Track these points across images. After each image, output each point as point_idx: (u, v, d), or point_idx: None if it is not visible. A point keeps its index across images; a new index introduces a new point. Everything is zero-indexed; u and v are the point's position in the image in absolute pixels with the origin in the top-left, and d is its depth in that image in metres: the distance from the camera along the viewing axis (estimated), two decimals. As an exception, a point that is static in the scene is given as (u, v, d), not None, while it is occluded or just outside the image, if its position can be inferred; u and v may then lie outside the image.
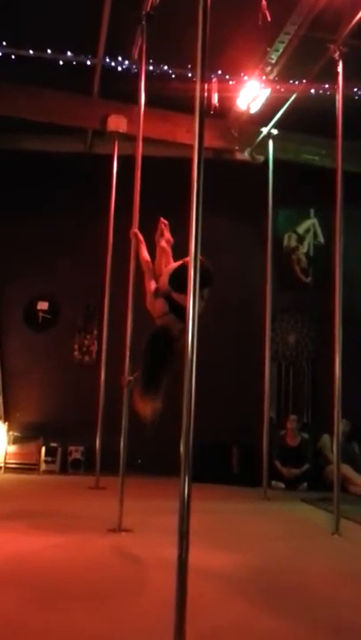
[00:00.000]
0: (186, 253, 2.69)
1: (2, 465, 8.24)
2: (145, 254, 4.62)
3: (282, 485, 7.77)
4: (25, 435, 8.58)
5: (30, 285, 9.08)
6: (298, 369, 9.32)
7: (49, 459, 8.40)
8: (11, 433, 8.52)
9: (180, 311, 3.88)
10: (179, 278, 3.95)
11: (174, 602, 2.36)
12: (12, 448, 8.46)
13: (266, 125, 7.73)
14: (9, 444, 8.43)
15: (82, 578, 3.38)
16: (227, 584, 3.37)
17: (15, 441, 8.52)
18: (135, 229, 4.97)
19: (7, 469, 8.24)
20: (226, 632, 2.60)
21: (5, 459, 8.31)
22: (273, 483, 7.55)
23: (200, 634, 2.47)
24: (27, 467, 8.37)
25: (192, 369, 2.54)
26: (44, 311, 9.14)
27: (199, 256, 2.60)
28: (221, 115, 7.60)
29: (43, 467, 8.35)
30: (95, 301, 8.39)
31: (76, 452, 8.45)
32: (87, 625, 2.62)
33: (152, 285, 4.28)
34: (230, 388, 8.63)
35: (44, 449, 8.40)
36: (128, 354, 4.91)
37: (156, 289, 4.21)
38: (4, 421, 8.53)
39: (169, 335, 3.86)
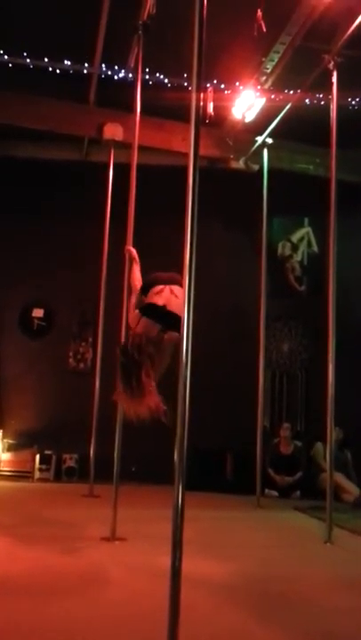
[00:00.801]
0: (181, 261, 2.69)
1: (-4, 472, 8.22)
2: (136, 275, 4.55)
3: (275, 493, 7.77)
4: (19, 442, 8.55)
5: (25, 292, 9.08)
6: (291, 377, 9.34)
7: (43, 466, 8.37)
8: (5, 440, 8.49)
9: (152, 312, 3.94)
10: (146, 288, 4.16)
11: (167, 610, 2.36)
12: (6, 455, 8.43)
13: (261, 134, 7.78)
14: (3, 451, 8.40)
15: (75, 586, 3.37)
16: (220, 592, 3.36)
17: (9, 448, 8.49)
18: (129, 246, 4.91)
19: (1, 477, 8.21)
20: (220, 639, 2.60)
21: (0, 466, 8.28)
22: (266, 491, 7.55)
23: (193, 642, 2.46)
24: (21, 474, 8.34)
25: (186, 377, 2.55)
26: (39, 318, 9.14)
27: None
28: (217, 124, 7.64)
29: (37, 474, 8.32)
30: (90, 308, 8.39)
31: (70, 460, 8.43)
32: (81, 632, 2.61)
33: (134, 306, 4.31)
34: (224, 396, 8.63)
35: (38, 457, 8.37)
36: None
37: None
38: (-1, 428, 8.51)
39: (136, 342, 3.88)
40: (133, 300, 4.35)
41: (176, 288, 4.04)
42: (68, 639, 2.54)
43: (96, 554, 4.16)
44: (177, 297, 3.99)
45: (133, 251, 4.76)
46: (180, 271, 2.74)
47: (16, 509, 6.04)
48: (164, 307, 4.05)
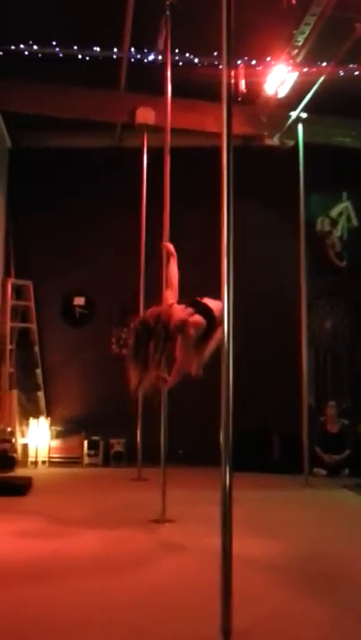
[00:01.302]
0: (219, 243, 2.67)
1: (46, 459, 8.38)
2: (173, 270, 4.44)
3: (323, 472, 7.72)
4: (67, 429, 8.71)
5: (66, 282, 9.17)
6: (335, 355, 9.22)
7: (91, 452, 8.52)
8: (53, 428, 8.65)
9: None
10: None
11: (219, 591, 2.37)
12: (55, 443, 8.60)
13: (295, 109, 7.63)
14: (52, 438, 8.57)
15: (128, 569, 3.43)
16: (271, 571, 3.37)
17: (58, 435, 8.65)
18: (166, 242, 4.81)
19: (51, 464, 8.38)
20: (270, 620, 2.61)
21: (49, 453, 8.45)
22: (315, 470, 7.51)
23: (245, 621, 2.48)
24: (70, 460, 8.50)
25: (229, 360, 2.54)
26: (80, 306, 9.23)
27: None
28: (249, 101, 7.53)
29: (86, 460, 8.47)
30: (130, 294, 8.43)
31: (118, 445, 8.54)
32: (139, 613, 2.66)
33: (169, 300, 4.29)
34: (268, 377, 8.58)
35: (86, 443, 8.51)
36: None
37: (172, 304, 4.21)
38: (47, 417, 8.67)
39: (155, 315, 3.90)
40: (169, 295, 4.32)
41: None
42: (126, 616, 2.58)
43: (146, 536, 4.21)
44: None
45: (170, 246, 4.69)
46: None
47: (68, 495, 6.15)
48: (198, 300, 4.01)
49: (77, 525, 4.41)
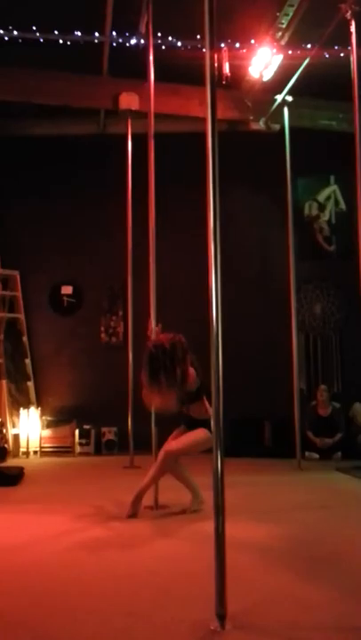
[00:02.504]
0: (205, 230, 2.64)
1: (38, 449, 8.38)
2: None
3: (316, 456, 7.77)
4: (58, 418, 8.70)
5: (52, 271, 9.13)
6: (325, 339, 9.26)
7: (83, 441, 8.52)
8: (44, 417, 8.64)
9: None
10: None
11: (214, 573, 2.38)
12: (47, 432, 8.59)
13: (280, 93, 7.59)
14: (43, 428, 8.56)
15: (122, 555, 3.43)
16: (265, 555, 3.38)
17: (49, 425, 8.64)
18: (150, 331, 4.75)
19: (43, 453, 8.38)
20: (266, 603, 2.62)
21: (40, 443, 8.44)
22: (307, 454, 7.55)
23: (241, 605, 2.48)
24: (62, 450, 8.50)
25: (218, 347, 2.53)
26: (68, 295, 9.19)
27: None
28: (234, 85, 7.48)
29: (77, 449, 8.47)
30: (118, 282, 8.40)
31: (110, 433, 8.55)
32: (134, 599, 2.66)
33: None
34: (258, 362, 8.61)
35: (77, 431, 8.51)
36: (154, 335, 4.92)
37: None
38: (37, 406, 8.65)
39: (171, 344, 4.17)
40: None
41: None
42: (120, 602, 2.59)
43: (140, 522, 4.22)
44: None
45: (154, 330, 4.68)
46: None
47: (60, 484, 6.15)
48: None
49: (71, 514, 4.41)
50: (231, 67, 6.55)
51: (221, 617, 2.32)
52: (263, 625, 2.37)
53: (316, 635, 2.30)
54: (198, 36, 6.53)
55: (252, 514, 4.35)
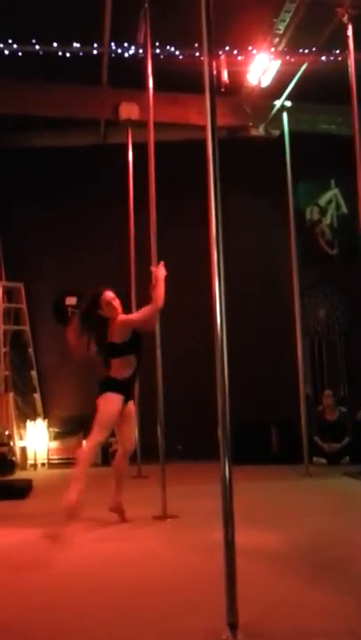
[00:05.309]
0: (207, 237, 2.64)
1: (45, 461, 8.35)
2: (159, 293, 4.71)
3: (324, 461, 7.72)
4: (65, 430, 8.67)
5: (56, 281, 9.12)
6: (330, 343, 9.23)
7: (90, 452, 8.47)
8: (51, 429, 8.62)
9: None
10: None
11: (224, 581, 2.36)
12: (54, 444, 8.56)
13: (279, 98, 7.61)
14: (50, 440, 8.53)
15: (133, 566, 3.41)
16: (275, 562, 3.36)
17: (56, 437, 8.62)
18: (153, 267, 4.86)
19: (51, 465, 8.35)
20: (278, 610, 2.59)
21: (48, 455, 8.42)
22: (315, 459, 7.51)
23: (252, 613, 2.46)
24: (69, 461, 8.45)
25: (223, 352, 2.52)
26: (72, 306, 9.17)
27: None
28: (233, 92, 7.50)
29: (85, 460, 8.42)
30: (122, 291, 8.38)
31: (117, 444, 8.49)
32: (141, 609, 2.64)
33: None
34: (263, 368, 8.58)
35: (84, 443, 8.47)
36: (158, 342, 4.92)
37: None
38: (44, 418, 8.63)
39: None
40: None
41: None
42: (128, 614, 2.57)
43: (150, 532, 4.20)
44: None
45: (157, 271, 4.67)
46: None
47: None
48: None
49: (80, 525, 4.39)
50: (229, 74, 6.57)
51: (233, 626, 2.30)
52: (275, 633, 2.35)
53: (329, 642, 2.27)
54: (196, 45, 6.56)
55: (261, 521, 4.32)
